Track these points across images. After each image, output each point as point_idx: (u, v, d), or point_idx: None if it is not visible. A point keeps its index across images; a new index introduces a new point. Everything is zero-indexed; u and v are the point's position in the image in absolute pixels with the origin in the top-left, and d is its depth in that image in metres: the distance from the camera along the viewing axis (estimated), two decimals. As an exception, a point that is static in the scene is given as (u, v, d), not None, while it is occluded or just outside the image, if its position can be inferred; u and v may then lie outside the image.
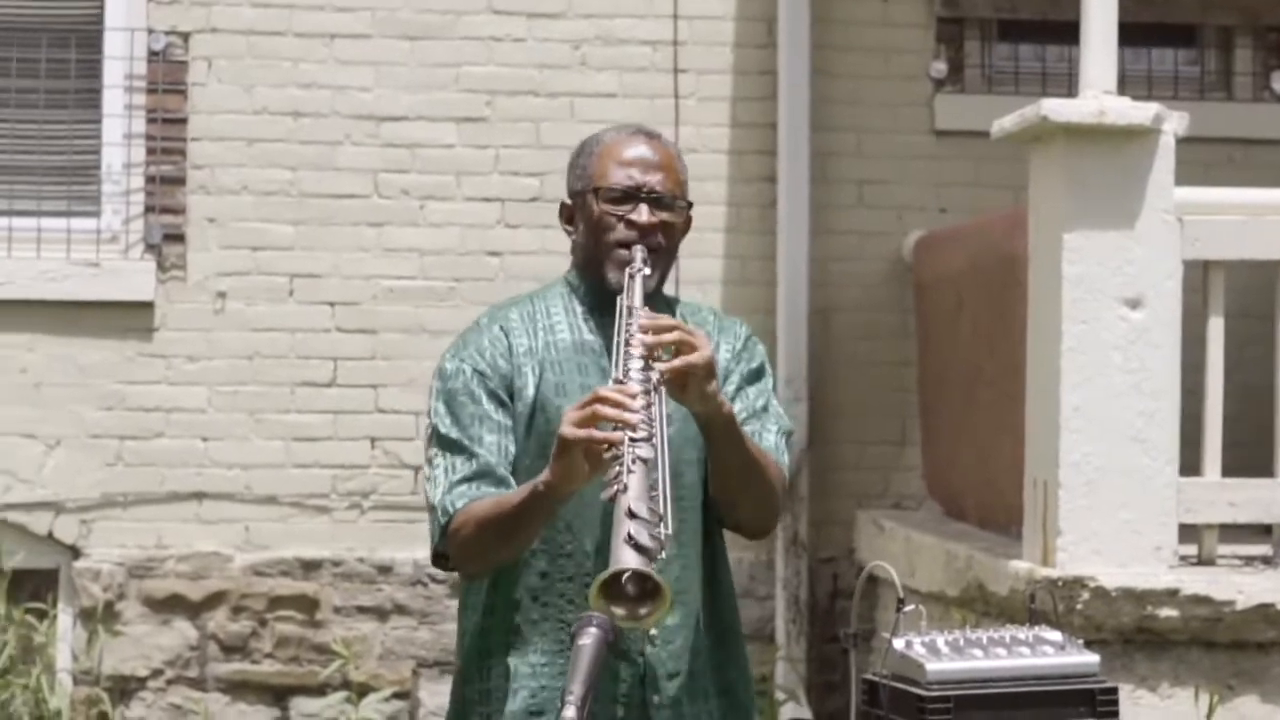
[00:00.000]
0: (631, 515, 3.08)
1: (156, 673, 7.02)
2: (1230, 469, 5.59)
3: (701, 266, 7.24)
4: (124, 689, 7.01)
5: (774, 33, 7.27)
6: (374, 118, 7.21)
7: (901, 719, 4.13)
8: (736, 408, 3.52)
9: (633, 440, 3.18)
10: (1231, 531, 5.70)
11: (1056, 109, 5.40)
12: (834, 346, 7.31)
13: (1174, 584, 5.31)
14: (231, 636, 7.05)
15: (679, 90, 7.29)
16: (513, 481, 3.44)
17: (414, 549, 6.98)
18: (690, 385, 3.32)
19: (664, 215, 3.53)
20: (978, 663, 4.13)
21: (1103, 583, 5.27)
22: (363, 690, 6.93)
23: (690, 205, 3.62)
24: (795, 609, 7.10)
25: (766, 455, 3.52)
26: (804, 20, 7.22)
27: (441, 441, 3.50)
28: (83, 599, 7.01)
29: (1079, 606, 5.29)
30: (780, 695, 6.98)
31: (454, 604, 5.91)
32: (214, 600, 7.05)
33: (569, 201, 3.64)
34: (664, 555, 3.12)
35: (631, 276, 3.45)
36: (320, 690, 7.02)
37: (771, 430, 3.60)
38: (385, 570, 7.04)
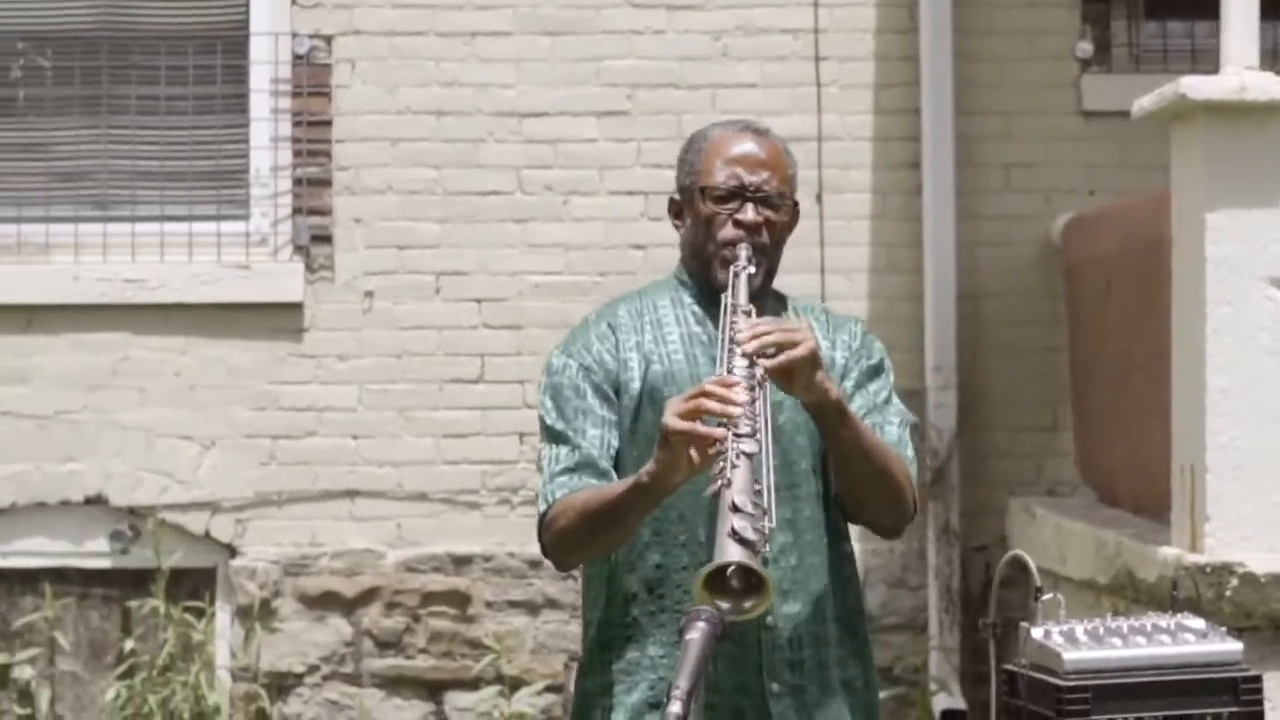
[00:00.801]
0: (735, 509, 3.09)
1: (313, 669, 7.11)
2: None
3: (847, 255, 7.21)
4: (281, 685, 7.10)
5: (915, 17, 7.20)
6: (516, 114, 7.24)
7: (1040, 709, 4.10)
8: (856, 403, 3.53)
9: (736, 435, 3.19)
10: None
11: (1195, 86, 5.30)
12: (983, 332, 7.24)
13: (1326, 569, 5.20)
14: (385, 632, 7.12)
15: (821, 78, 7.24)
16: (614, 474, 3.46)
17: (564, 543, 6.99)
18: (796, 378, 3.31)
19: (769, 214, 3.54)
20: (1117, 652, 4.08)
21: (1252, 568, 5.17)
22: (515, 684, 6.97)
23: (796, 203, 3.62)
24: (947, 598, 7.04)
25: (889, 448, 3.50)
26: (945, 4, 7.15)
27: (547, 434, 3.54)
28: (239, 597, 7.11)
29: (1228, 593, 5.19)
30: (933, 686, 6.92)
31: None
32: (368, 597, 7.12)
33: (677, 197, 3.65)
34: (768, 549, 3.13)
35: (736, 275, 3.47)
36: (473, 684, 7.07)
37: (894, 423, 3.59)
38: (536, 564, 7.07)
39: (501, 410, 7.14)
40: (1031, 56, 7.29)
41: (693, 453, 3.21)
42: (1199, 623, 4.17)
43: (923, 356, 7.14)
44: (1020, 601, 6.85)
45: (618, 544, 3.44)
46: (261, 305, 7.16)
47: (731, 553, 3.06)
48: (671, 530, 3.46)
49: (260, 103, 7.24)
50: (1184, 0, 7.33)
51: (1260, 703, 4.04)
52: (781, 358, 3.29)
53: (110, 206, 7.27)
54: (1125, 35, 7.36)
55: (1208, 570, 5.20)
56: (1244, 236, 5.29)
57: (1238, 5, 5.37)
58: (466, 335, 7.20)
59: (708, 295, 3.53)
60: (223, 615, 7.14)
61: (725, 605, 3.05)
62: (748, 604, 3.07)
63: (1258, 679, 4.04)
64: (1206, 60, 7.10)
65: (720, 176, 3.53)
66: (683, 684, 2.81)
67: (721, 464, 3.17)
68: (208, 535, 7.15)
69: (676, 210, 3.66)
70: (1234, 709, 4.04)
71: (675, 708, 2.77)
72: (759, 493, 3.14)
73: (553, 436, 3.52)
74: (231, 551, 7.16)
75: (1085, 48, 7.31)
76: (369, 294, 7.20)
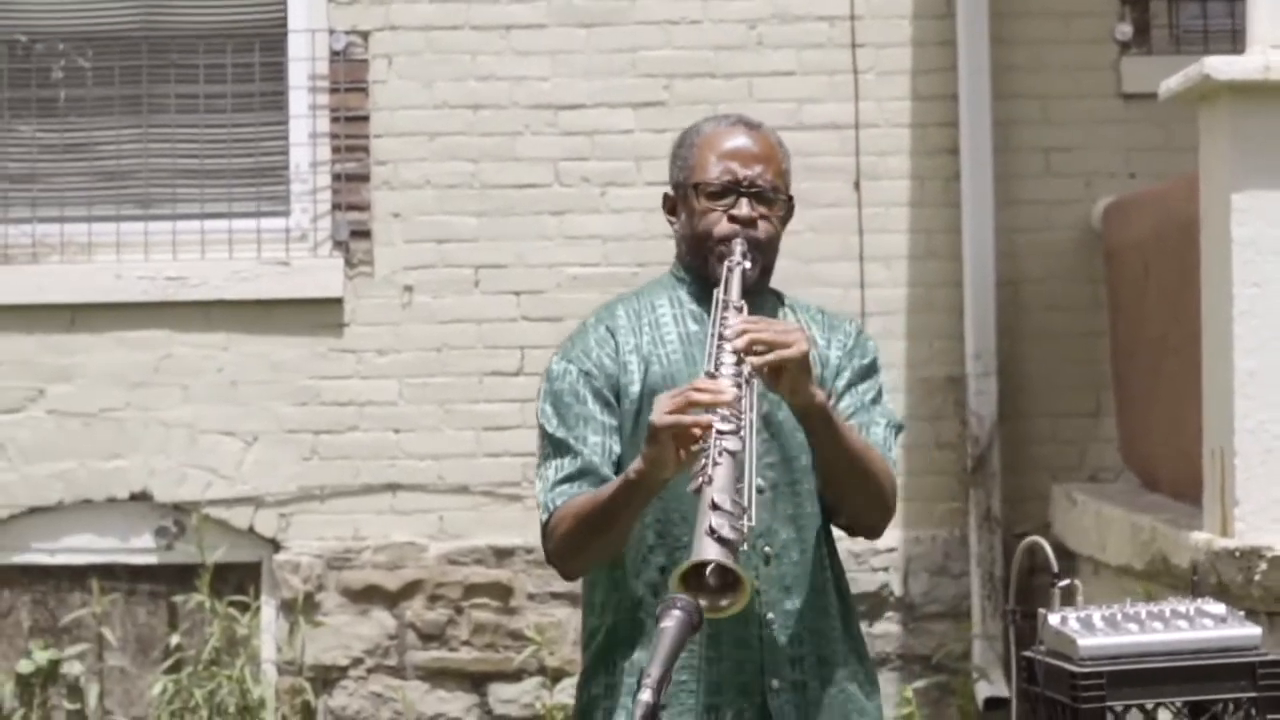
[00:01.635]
0: (714, 507, 3.09)
1: (357, 662, 7.14)
2: None
3: (886, 242, 7.18)
4: (326, 678, 7.14)
5: (952, 2, 7.16)
6: (552, 106, 7.24)
7: (1056, 695, 4.08)
8: (845, 402, 3.54)
9: (720, 433, 3.18)
10: None
11: (1219, 66, 5.24)
12: (1023, 318, 7.19)
13: (1356, 552, 5.14)
14: (429, 625, 7.15)
15: (857, 65, 7.22)
16: (613, 478, 3.43)
17: (604, 534, 7.01)
18: (784, 378, 3.31)
19: (764, 209, 3.52)
20: (1132, 637, 4.06)
21: (1280, 552, 5.13)
22: (557, 676, 6.98)
23: (791, 198, 3.60)
24: (990, 585, 7.00)
25: (872, 449, 3.49)
26: (982, -13, 7.13)
27: (548, 442, 3.53)
28: (284, 591, 7.16)
29: (1257, 577, 5.13)
30: (975, 674, 6.89)
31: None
32: (410, 590, 7.15)
33: (671, 193, 3.64)
34: (745, 547, 3.12)
35: (730, 270, 3.45)
36: (516, 676, 7.09)
37: (880, 424, 3.57)
38: (577, 556, 7.06)
39: (542, 402, 7.14)
40: (1070, 39, 7.24)
41: (679, 449, 3.21)
42: (1219, 608, 4.13)
43: (962, 343, 7.10)
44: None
45: (615, 545, 3.43)
46: (302, 301, 7.20)
47: (709, 551, 3.06)
48: (674, 532, 3.45)
49: (298, 99, 7.28)
50: (1224, -21, 7.27)
51: (1279, 687, 4.01)
52: (771, 356, 3.28)
53: (151, 205, 7.32)
54: (1165, 16, 7.31)
55: (1237, 554, 5.15)
56: (1271, 217, 5.23)
57: (1263, -16, 5.32)
58: (506, 328, 7.22)
59: (705, 293, 3.50)
60: (267, 609, 7.18)
61: (703, 602, 3.04)
62: (724, 602, 3.07)
63: (1276, 663, 4.01)
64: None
65: (713, 172, 3.52)
66: (654, 671, 2.80)
67: (704, 461, 3.16)
68: (251, 530, 7.19)
69: (670, 207, 3.65)
70: (1252, 694, 4.00)
71: (646, 695, 2.77)
72: (740, 491, 3.13)
73: (554, 444, 3.51)
74: (275, 546, 7.20)
75: (1124, 29, 7.26)
76: (408, 288, 7.23)
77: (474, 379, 7.21)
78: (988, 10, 7.11)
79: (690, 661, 3.42)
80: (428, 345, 7.22)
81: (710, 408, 3.20)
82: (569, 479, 3.46)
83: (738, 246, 3.46)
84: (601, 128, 7.23)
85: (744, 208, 3.49)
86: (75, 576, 7.23)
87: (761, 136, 3.58)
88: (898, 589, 7.11)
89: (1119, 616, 4.13)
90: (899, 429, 3.62)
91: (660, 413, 3.22)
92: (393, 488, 7.20)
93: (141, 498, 7.20)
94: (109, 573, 7.22)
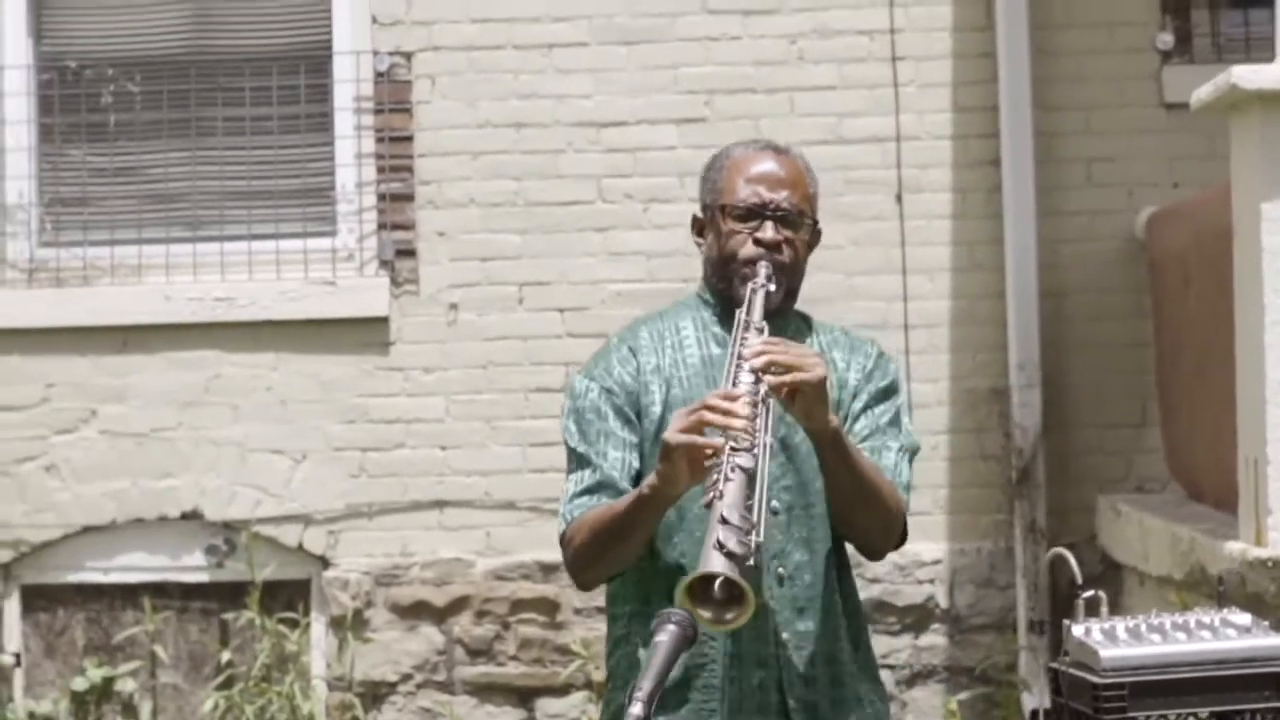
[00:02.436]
0: (723, 521, 3.14)
1: (405, 677, 7.20)
2: None
3: (928, 254, 7.19)
4: (375, 694, 7.19)
5: (992, 14, 7.16)
6: (595, 124, 7.29)
7: (1080, 707, 4.08)
8: (860, 424, 3.58)
9: (734, 449, 3.23)
10: None
11: (1247, 76, 5.24)
12: (1067, 329, 7.18)
13: (1389, 561, 5.12)
14: (476, 640, 7.19)
15: (898, 78, 7.23)
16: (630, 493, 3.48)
17: (649, 549, 7.04)
18: (799, 402, 3.34)
19: (789, 233, 3.56)
20: (1155, 648, 4.05)
21: (1313, 562, 5.11)
22: (603, 690, 6.98)
23: (817, 222, 3.64)
24: (1035, 597, 6.99)
25: (881, 474, 3.53)
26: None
27: (570, 456, 3.60)
28: (333, 608, 7.22)
29: (1290, 588, 5.12)
30: (1019, 686, 6.87)
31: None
32: (458, 605, 7.20)
33: (700, 215, 3.68)
34: (752, 562, 3.16)
35: (753, 291, 3.50)
36: (563, 690, 7.13)
37: (893, 448, 3.60)
38: (622, 571, 7.10)
39: (586, 418, 7.18)
40: (1111, 49, 7.23)
41: (691, 465, 3.25)
42: (1244, 618, 4.12)
43: (1006, 355, 7.10)
44: (1112, 599, 6.81)
45: (628, 559, 3.48)
46: (348, 320, 7.26)
47: (715, 564, 3.10)
48: (697, 549, 3.49)
49: (344, 120, 7.36)
50: (1266, -13, 7.23)
51: (1304, 697, 3.99)
52: (788, 377, 3.32)
53: (200, 227, 7.41)
54: (1207, 25, 7.28)
55: (1270, 564, 5.14)
56: (1301, 226, 5.22)
57: (1291, -8, 5.31)
58: (551, 344, 7.26)
59: (729, 315, 3.54)
60: (317, 626, 7.25)
61: (706, 615, 3.09)
62: (729, 615, 3.10)
63: (1301, 673, 3.99)
64: (1292, 48, 7.00)
65: (741, 194, 3.57)
66: (646, 685, 2.83)
67: (716, 477, 3.21)
68: (301, 547, 7.26)
69: (699, 228, 3.70)
70: (1277, 705, 3.98)
71: (636, 709, 2.80)
72: (750, 508, 3.18)
73: (575, 458, 3.57)
74: (324, 563, 7.26)
75: (1166, 39, 7.23)
76: (453, 306, 7.28)
77: (519, 395, 7.25)
78: (1028, 22, 7.11)
79: (711, 681, 3.46)
80: (473, 362, 7.27)
81: (722, 426, 3.24)
82: (587, 491, 3.51)
83: (762, 269, 3.51)
84: (644, 144, 7.26)
85: (769, 231, 3.53)
86: (128, 594, 7.32)
87: (789, 162, 3.62)
88: (943, 601, 7.10)
89: (1143, 627, 4.12)
90: (914, 452, 3.65)
91: (674, 430, 3.28)
92: (440, 504, 7.25)
93: (192, 516, 7.28)
94: (161, 591, 7.30)
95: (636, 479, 3.51)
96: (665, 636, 2.92)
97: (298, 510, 7.26)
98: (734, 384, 3.34)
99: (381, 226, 7.32)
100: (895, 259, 7.18)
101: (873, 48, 7.25)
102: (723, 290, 3.58)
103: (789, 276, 3.55)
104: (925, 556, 7.09)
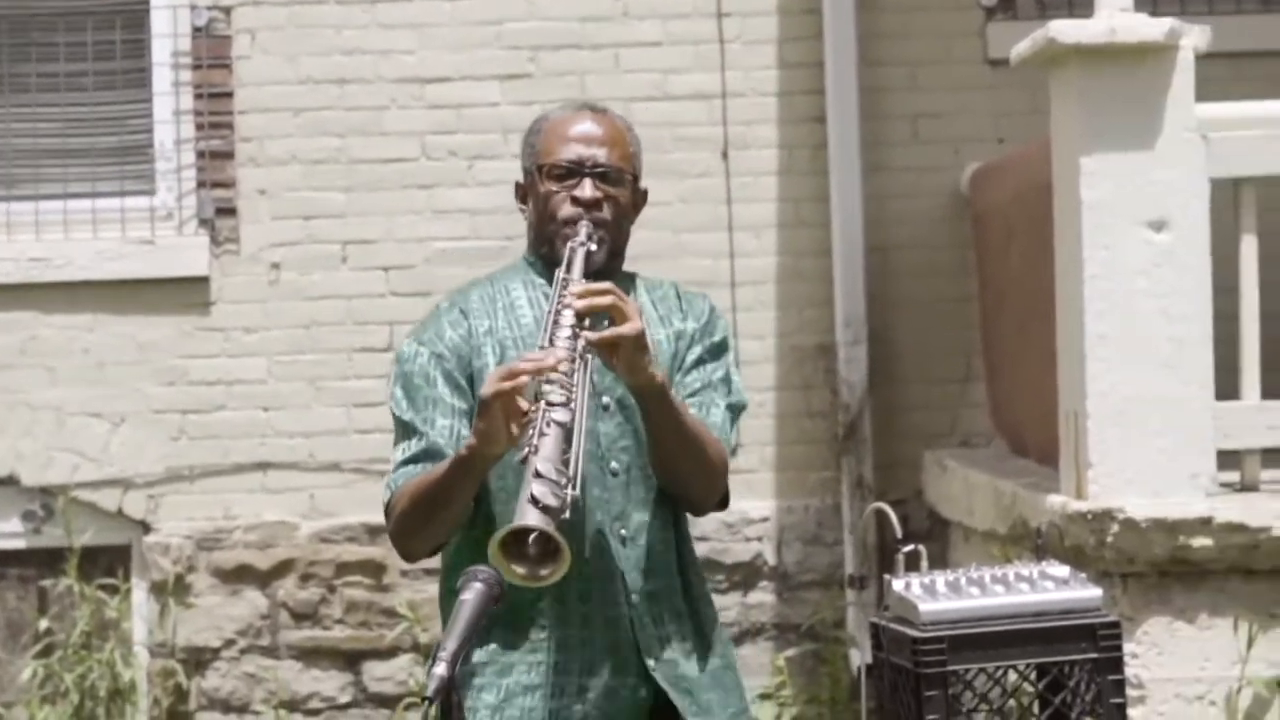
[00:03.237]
0: (538, 475, 3.10)
1: (229, 643, 7.09)
2: (1267, 394, 5.42)
3: (754, 211, 7.17)
4: (198, 660, 7.08)
5: (818, -30, 7.15)
6: (418, 80, 7.19)
7: (900, 661, 4.08)
8: (692, 376, 3.57)
9: (550, 404, 3.20)
10: (1274, 457, 5.53)
11: (1065, 30, 5.26)
12: (893, 285, 7.19)
13: (1207, 512, 5.17)
14: (301, 604, 7.10)
15: (724, 35, 7.19)
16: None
17: (476, 509, 6.98)
18: (620, 355, 3.31)
19: (609, 189, 3.52)
20: (973, 601, 4.04)
21: (1131, 514, 5.14)
22: (430, 652, 6.93)
23: (636, 179, 3.61)
24: (863, 553, 7.01)
25: (706, 429, 3.51)
26: (847, -45, 7.10)
27: (397, 425, 3.53)
28: (154, 573, 7.09)
29: (1109, 539, 5.16)
30: (847, 642, 6.89)
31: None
32: (282, 569, 7.10)
33: (521, 181, 3.65)
34: (566, 515, 3.13)
35: (573, 250, 3.46)
36: (390, 653, 7.06)
37: (720, 405, 3.59)
38: (449, 532, 7.03)
39: (412, 378, 7.09)
40: (936, 5, 7.23)
41: (510, 423, 3.21)
42: (1062, 570, 4.13)
43: (832, 311, 7.10)
44: (939, 554, 6.85)
45: (450, 525, 3.43)
46: (168, 280, 7.13)
47: (529, 518, 3.08)
48: (499, 504, 3.45)
49: (161, 77, 7.20)
50: (1088, -56, 7.25)
51: (1119, 648, 4.00)
52: (607, 332, 3.30)
53: (14, 185, 7.23)
54: (1030, -19, 7.31)
55: (1089, 517, 5.18)
56: (1119, 179, 5.25)
57: (1109, -54, 5.33)
58: (375, 304, 7.17)
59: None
60: (138, 592, 7.12)
61: (520, 570, 3.05)
62: (544, 571, 3.07)
63: (1116, 624, 4.00)
64: (1112, 5, 7.03)
65: (559, 154, 3.53)
66: (450, 645, 2.78)
67: (531, 431, 3.18)
68: (120, 512, 7.13)
69: (522, 195, 3.66)
70: (1093, 655, 4.00)
71: (440, 669, 2.75)
72: (567, 461, 3.15)
73: (401, 427, 3.51)
74: (145, 528, 7.13)
75: (990, -5, 7.27)
76: (275, 265, 7.17)
77: (343, 355, 7.16)
78: (853, -23, 7.11)
79: (566, 641, 3.44)
80: (296, 322, 7.16)
81: (537, 376, 3.20)
82: (412, 460, 3.46)
83: (583, 228, 3.48)
84: (468, 101, 7.18)
85: (587, 188, 3.50)
86: (-58, 562, 7.16)
87: (608, 120, 3.59)
88: (771, 558, 7.11)
89: (962, 581, 4.12)
90: (741, 410, 3.63)
91: (490, 384, 3.23)
92: (263, 466, 7.15)
93: (8, 481, 7.12)
94: (-24, 558, 7.15)
95: None
96: (470, 595, 2.87)
97: (117, 474, 7.12)
98: (551, 340, 3.31)
99: (201, 185, 7.19)
100: (721, 216, 7.16)
101: (698, 3, 7.21)
102: (546, 253, 3.54)
103: (611, 234, 3.52)
104: (753, 514, 7.08)
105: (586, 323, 3.33)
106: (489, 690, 3.44)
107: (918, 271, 7.21)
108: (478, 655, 3.46)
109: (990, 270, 6.89)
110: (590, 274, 3.43)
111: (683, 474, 3.49)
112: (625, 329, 3.30)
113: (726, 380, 3.61)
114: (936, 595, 4.07)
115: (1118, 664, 4.00)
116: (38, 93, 7.26)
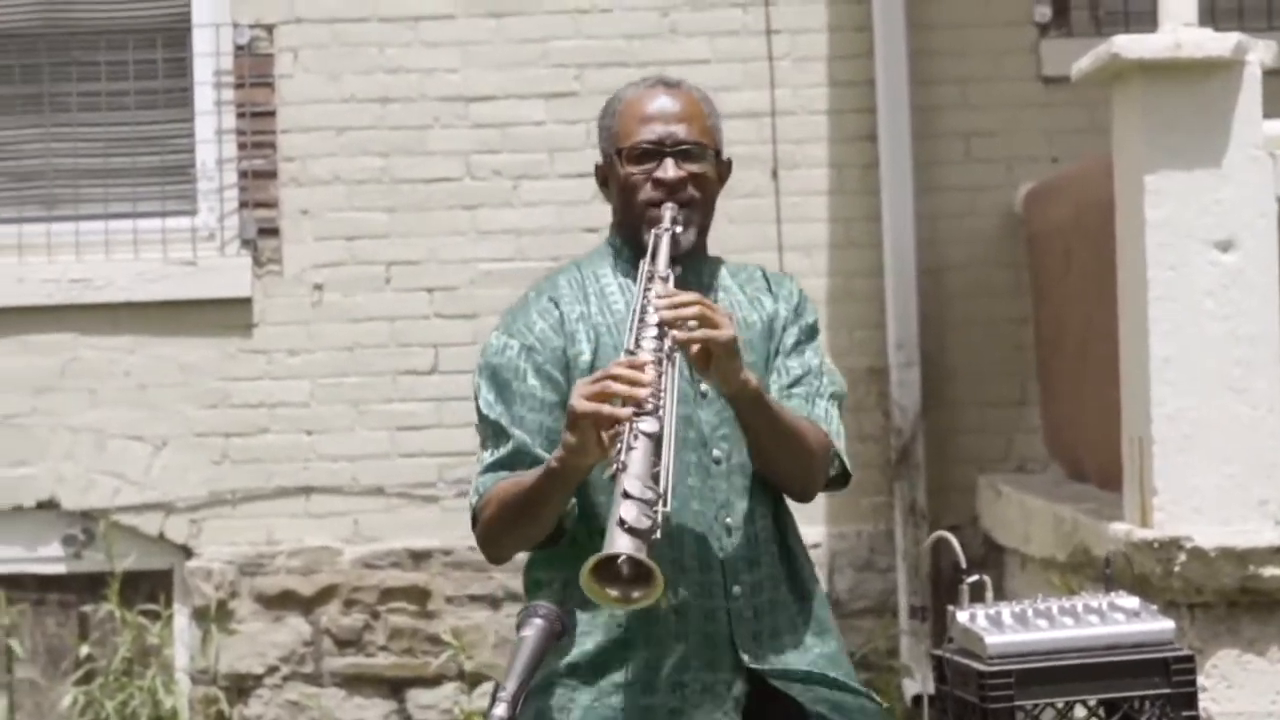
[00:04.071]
0: (626, 495, 3.00)
1: (272, 669, 6.99)
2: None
3: (805, 231, 7.07)
4: (240, 687, 6.99)
5: (868, -14, 7.05)
6: (463, 99, 7.10)
7: (965, 695, 3.96)
8: (794, 361, 3.47)
9: (637, 414, 3.09)
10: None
11: (1128, 45, 5.13)
12: (946, 307, 7.07)
13: (1277, 541, 5.02)
14: (345, 631, 7.00)
15: (773, 52, 7.09)
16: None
17: (522, 535, 6.88)
18: (713, 363, 3.21)
19: (692, 167, 3.41)
20: (1041, 634, 3.93)
21: (1199, 543, 5.00)
22: (475, 680, 6.85)
23: (719, 153, 3.49)
24: (916, 581, 6.88)
25: (800, 420, 3.40)
26: (898, -29, 7.00)
27: (483, 422, 3.42)
28: (196, 598, 7.00)
29: (1176, 569, 5.02)
30: (900, 671, 6.77)
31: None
32: (326, 595, 7.00)
33: (600, 164, 3.54)
34: (658, 536, 3.03)
35: (657, 237, 3.35)
36: (435, 681, 6.95)
37: (825, 395, 3.49)
38: (495, 557, 6.93)
39: (457, 401, 6.98)
40: (988, 22, 7.12)
41: (601, 434, 3.12)
42: (1132, 601, 4.02)
43: (884, 333, 6.99)
44: (996, 582, 6.71)
45: (539, 534, 3.32)
46: (210, 301, 7.04)
47: (620, 544, 2.98)
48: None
49: (203, 96, 7.13)
50: (1144, -41, 7.14)
51: (1193, 683, 3.89)
52: (697, 333, 3.19)
53: (55, 206, 7.16)
54: (1084, -3, 7.21)
55: (1156, 545, 5.04)
56: (1184, 198, 5.12)
57: (1174, -41, 5.21)
58: (419, 325, 7.08)
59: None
60: (180, 617, 7.03)
61: (614, 593, 2.98)
62: (636, 593, 2.98)
63: (1190, 659, 3.89)
64: (1169, 20, 6.91)
65: (637, 135, 3.42)
66: (511, 685, 2.68)
67: (619, 445, 3.08)
68: (162, 537, 7.04)
69: (602, 179, 3.55)
70: (1165, 690, 3.89)
71: (500, 710, 2.64)
72: (656, 476, 3.05)
73: (488, 426, 3.41)
74: (187, 553, 7.04)
75: (1044, 11, 7.14)
76: (318, 286, 7.08)
77: (387, 378, 7.06)
78: (904, -6, 7.01)
79: (659, 636, 3.33)
80: (339, 344, 7.07)
81: (628, 396, 3.11)
82: (500, 463, 3.36)
83: (667, 212, 3.38)
84: (513, 119, 7.09)
85: (669, 169, 3.40)
86: (-19, 587, 7.08)
87: (684, 94, 3.48)
88: (823, 585, 6.96)
89: (1029, 613, 4.01)
90: (844, 399, 3.55)
91: (578, 398, 3.13)
92: (306, 491, 7.05)
93: (48, 505, 7.04)
94: (16, 583, 7.04)
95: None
96: (531, 631, 2.77)
97: (158, 498, 7.03)
98: (637, 342, 3.20)
99: (243, 205, 7.09)
100: (771, 236, 7.05)
101: (747, 20, 7.11)
102: (631, 238, 3.44)
103: (699, 214, 3.42)
104: (804, 540, 6.94)
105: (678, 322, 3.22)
106: (583, 691, 3.33)
107: (971, 292, 7.09)
108: (572, 655, 3.36)
109: (1046, 291, 6.77)
110: (677, 259, 3.33)
111: (782, 467, 3.41)
112: (716, 334, 3.20)
113: (824, 365, 3.52)
114: (1003, 627, 3.96)
115: (1191, 699, 3.88)
116: (79, 112, 7.18)
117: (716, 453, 3.37)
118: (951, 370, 7.07)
